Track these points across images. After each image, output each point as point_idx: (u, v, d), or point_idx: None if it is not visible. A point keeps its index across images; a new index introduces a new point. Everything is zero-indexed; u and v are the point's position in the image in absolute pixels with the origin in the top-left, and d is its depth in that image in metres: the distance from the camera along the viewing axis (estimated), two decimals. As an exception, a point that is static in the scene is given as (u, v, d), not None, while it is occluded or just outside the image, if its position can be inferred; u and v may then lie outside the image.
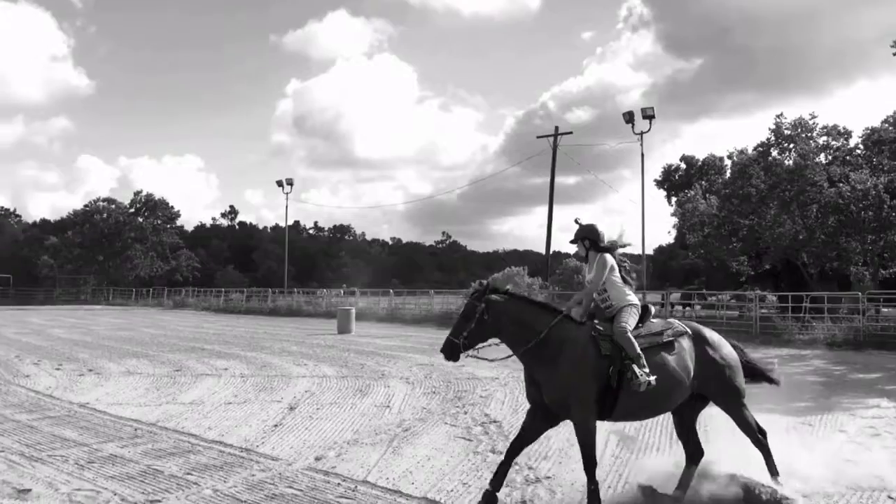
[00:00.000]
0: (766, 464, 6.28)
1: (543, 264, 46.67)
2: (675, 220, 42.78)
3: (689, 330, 6.34)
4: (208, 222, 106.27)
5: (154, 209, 73.50)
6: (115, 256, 70.90)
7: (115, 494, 6.74)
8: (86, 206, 73.46)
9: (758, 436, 6.33)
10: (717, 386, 6.31)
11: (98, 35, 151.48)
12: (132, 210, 73.14)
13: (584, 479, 6.11)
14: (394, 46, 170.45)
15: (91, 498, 6.64)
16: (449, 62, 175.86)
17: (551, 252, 46.98)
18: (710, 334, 6.44)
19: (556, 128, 43.61)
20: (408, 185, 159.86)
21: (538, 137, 44.62)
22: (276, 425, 10.06)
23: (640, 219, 36.40)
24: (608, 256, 6.36)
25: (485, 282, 6.32)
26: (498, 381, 13.43)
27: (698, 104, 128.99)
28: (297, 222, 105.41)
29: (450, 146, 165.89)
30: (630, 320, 6.13)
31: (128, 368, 16.27)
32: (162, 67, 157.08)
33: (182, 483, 7.17)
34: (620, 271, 6.37)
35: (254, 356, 18.75)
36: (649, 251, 43.67)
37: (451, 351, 6.07)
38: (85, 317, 40.09)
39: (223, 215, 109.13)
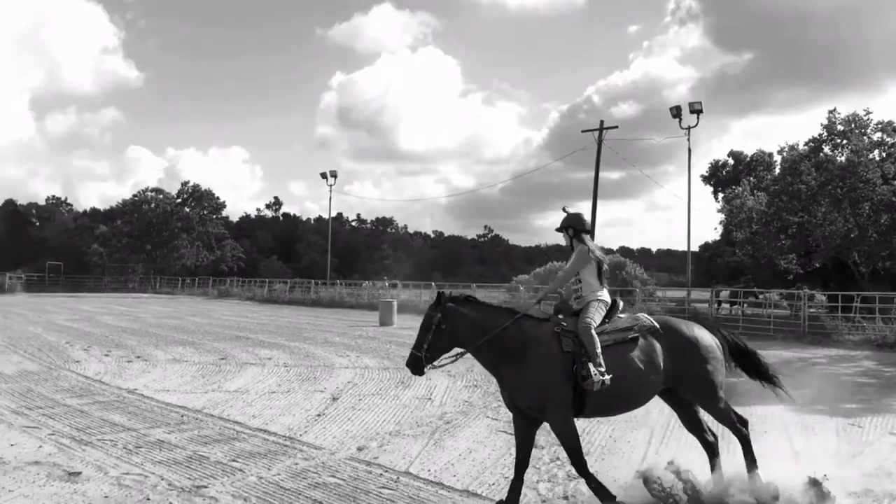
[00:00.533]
0: (745, 454, 6.11)
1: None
2: (721, 216, 42.08)
3: (657, 325, 6.18)
4: (253, 213, 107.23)
5: (200, 200, 74.65)
6: (163, 246, 72.26)
7: (163, 479, 6.87)
8: (134, 195, 75.07)
9: (737, 426, 6.18)
10: (688, 380, 6.15)
11: (147, 28, 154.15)
12: (179, 200, 74.44)
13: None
14: (438, 40, 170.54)
15: (139, 482, 6.78)
16: (493, 56, 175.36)
17: (595, 247, 46.47)
18: (685, 328, 6.27)
19: (602, 122, 43.01)
20: (450, 179, 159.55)
21: (583, 132, 44.05)
22: (318, 415, 10.16)
23: (686, 214, 35.99)
24: (587, 248, 6.30)
25: (442, 293, 6.17)
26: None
27: (747, 99, 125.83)
28: (339, 214, 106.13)
29: (493, 140, 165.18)
30: (596, 316, 6.05)
31: (174, 356, 16.57)
32: (208, 61, 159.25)
33: (227, 469, 7.28)
34: (598, 265, 6.29)
35: (297, 346, 18.96)
36: (694, 247, 43.08)
37: (415, 365, 6.01)
38: (133, 304, 40.91)
39: (267, 206, 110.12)
